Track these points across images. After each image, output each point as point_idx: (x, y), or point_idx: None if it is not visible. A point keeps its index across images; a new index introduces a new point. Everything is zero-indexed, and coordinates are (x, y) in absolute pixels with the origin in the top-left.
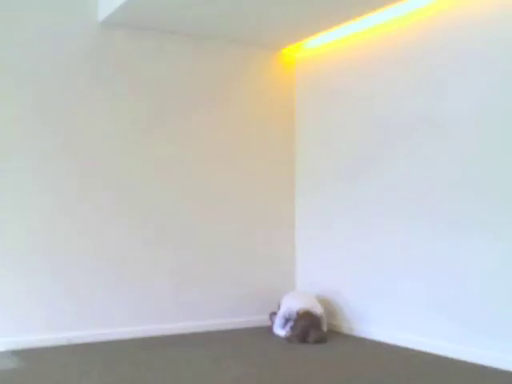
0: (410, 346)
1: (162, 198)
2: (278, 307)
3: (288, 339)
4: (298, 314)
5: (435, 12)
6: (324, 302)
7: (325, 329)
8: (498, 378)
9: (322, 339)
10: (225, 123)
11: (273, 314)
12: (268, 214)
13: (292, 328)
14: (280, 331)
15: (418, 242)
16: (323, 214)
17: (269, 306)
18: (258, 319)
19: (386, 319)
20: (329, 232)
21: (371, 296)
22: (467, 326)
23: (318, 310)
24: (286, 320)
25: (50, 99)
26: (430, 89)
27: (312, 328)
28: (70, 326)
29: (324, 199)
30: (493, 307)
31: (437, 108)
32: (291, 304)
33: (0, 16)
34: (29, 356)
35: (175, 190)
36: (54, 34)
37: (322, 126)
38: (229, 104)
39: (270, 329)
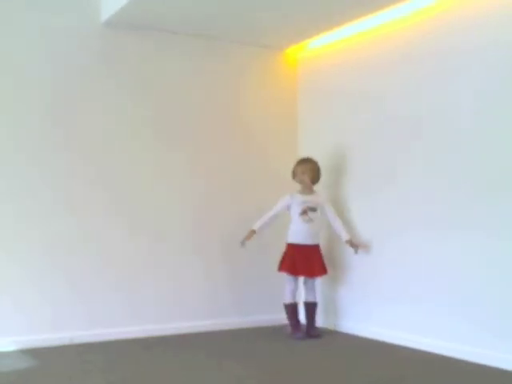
0: (411, 345)
1: (162, 197)
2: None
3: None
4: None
5: (436, 13)
6: (327, 300)
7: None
8: (499, 378)
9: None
10: (228, 122)
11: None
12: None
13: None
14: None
15: (419, 242)
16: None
17: (271, 306)
18: (260, 319)
19: (387, 319)
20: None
21: (373, 296)
22: (469, 325)
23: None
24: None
25: (52, 99)
26: (431, 88)
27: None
28: (72, 326)
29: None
30: (495, 307)
31: (437, 108)
32: None
33: (2, 16)
34: (33, 356)
35: (176, 189)
36: (56, 34)
37: (324, 124)
38: (232, 103)
39: (272, 329)
